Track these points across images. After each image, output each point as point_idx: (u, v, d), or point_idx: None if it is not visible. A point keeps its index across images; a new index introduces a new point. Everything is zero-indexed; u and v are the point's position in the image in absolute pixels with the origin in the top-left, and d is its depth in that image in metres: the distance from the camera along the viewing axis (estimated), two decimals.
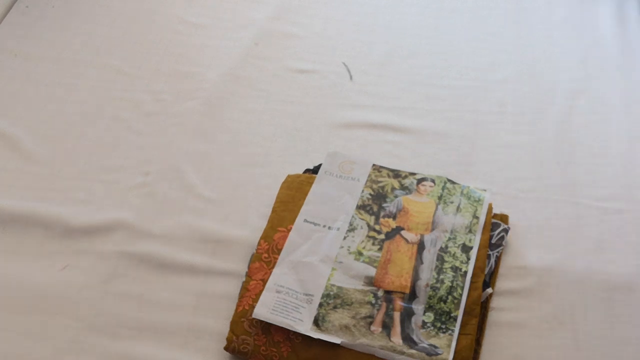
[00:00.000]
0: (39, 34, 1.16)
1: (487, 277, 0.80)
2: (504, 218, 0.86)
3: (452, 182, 0.88)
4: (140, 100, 1.05)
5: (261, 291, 0.79)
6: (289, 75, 1.09)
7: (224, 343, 0.77)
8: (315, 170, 0.93)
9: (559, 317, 0.78)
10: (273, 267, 0.81)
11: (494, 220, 0.85)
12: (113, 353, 0.77)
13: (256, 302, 0.78)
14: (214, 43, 1.14)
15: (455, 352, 0.73)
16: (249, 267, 0.82)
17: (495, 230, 0.84)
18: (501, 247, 0.83)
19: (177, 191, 0.92)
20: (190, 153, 0.97)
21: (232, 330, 0.77)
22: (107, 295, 0.82)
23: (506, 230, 0.85)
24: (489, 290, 0.79)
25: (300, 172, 0.93)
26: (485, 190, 0.88)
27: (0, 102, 1.04)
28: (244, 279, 0.81)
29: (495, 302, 0.80)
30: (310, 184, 0.90)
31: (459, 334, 0.75)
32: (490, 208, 0.86)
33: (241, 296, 0.79)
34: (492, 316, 0.79)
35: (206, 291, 0.82)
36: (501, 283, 0.81)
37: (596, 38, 1.12)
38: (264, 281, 0.80)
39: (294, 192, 0.89)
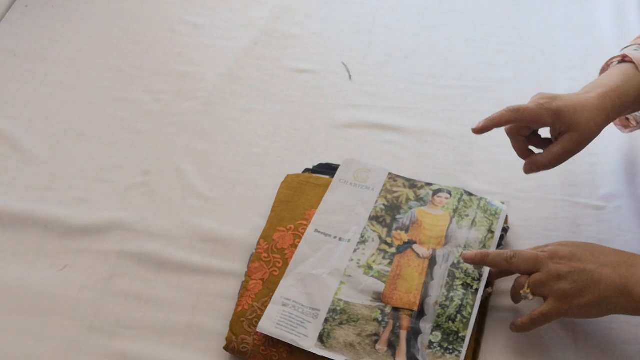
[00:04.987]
0: (38, 34, 1.16)
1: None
2: None
3: (469, 194, 0.86)
4: (139, 100, 1.05)
5: (261, 291, 0.79)
6: (288, 75, 1.09)
7: (224, 343, 0.77)
8: (315, 170, 0.93)
9: None
10: (272, 267, 0.81)
11: None
12: (112, 352, 0.77)
13: (256, 302, 0.78)
14: (213, 43, 1.14)
15: None
16: (248, 267, 0.82)
17: None
18: (501, 247, 0.83)
19: (176, 190, 0.92)
20: (190, 152, 0.97)
21: (232, 330, 0.77)
22: (106, 294, 0.82)
23: (506, 230, 0.85)
24: (489, 289, 0.79)
25: (300, 171, 0.93)
26: (503, 202, 0.86)
27: None
28: (243, 279, 0.81)
29: (495, 302, 0.80)
30: (310, 183, 0.90)
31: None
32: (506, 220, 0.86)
33: (240, 296, 0.79)
34: (492, 316, 0.79)
35: (205, 291, 0.82)
36: (501, 283, 0.81)
37: (596, 38, 1.12)
38: (264, 281, 0.80)
39: (294, 192, 0.89)
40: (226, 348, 0.76)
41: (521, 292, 0.73)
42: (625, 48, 0.82)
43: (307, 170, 0.93)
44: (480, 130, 0.78)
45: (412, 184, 0.88)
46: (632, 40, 0.84)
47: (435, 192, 0.87)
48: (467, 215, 0.84)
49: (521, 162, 0.94)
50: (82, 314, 0.80)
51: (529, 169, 0.79)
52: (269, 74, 1.09)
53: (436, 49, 1.12)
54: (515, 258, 0.74)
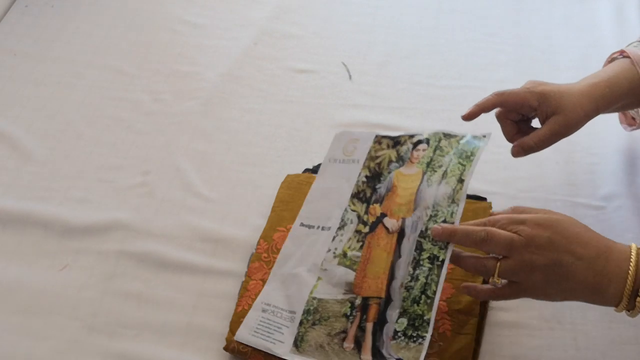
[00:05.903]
0: (38, 34, 1.16)
1: (486, 277, 0.80)
2: None
3: (449, 137, 0.79)
4: (139, 100, 1.05)
5: (260, 291, 0.79)
6: (288, 75, 1.09)
7: (224, 343, 0.76)
8: (315, 170, 0.93)
9: (558, 317, 0.78)
10: (272, 267, 0.81)
11: None
12: (112, 353, 0.77)
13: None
14: (213, 43, 1.14)
15: (455, 351, 0.73)
16: (248, 267, 0.82)
17: None
18: None
19: (176, 191, 0.92)
20: (190, 153, 0.97)
21: (232, 330, 0.77)
22: (106, 294, 0.82)
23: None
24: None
25: (300, 172, 0.93)
26: (485, 136, 0.77)
27: None
28: (243, 279, 0.81)
29: (494, 302, 0.80)
30: (310, 183, 0.89)
31: (458, 333, 0.73)
32: (489, 206, 0.84)
33: (240, 296, 0.79)
34: (492, 316, 0.79)
35: (205, 291, 0.82)
36: None
37: (596, 38, 1.12)
38: (264, 281, 0.80)
39: (294, 192, 0.89)
40: (226, 348, 0.76)
41: (490, 280, 0.68)
42: (629, 45, 0.82)
43: (307, 170, 0.93)
44: (468, 116, 0.79)
45: (396, 142, 0.82)
46: None
47: (415, 144, 0.80)
48: (441, 166, 0.77)
49: (521, 163, 0.94)
50: (82, 314, 0.80)
51: (517, 151, 0.79)
52: (269, 74, 1.09)
53: (436, 49, 1.13)
54: (487, 243, 0.67)
